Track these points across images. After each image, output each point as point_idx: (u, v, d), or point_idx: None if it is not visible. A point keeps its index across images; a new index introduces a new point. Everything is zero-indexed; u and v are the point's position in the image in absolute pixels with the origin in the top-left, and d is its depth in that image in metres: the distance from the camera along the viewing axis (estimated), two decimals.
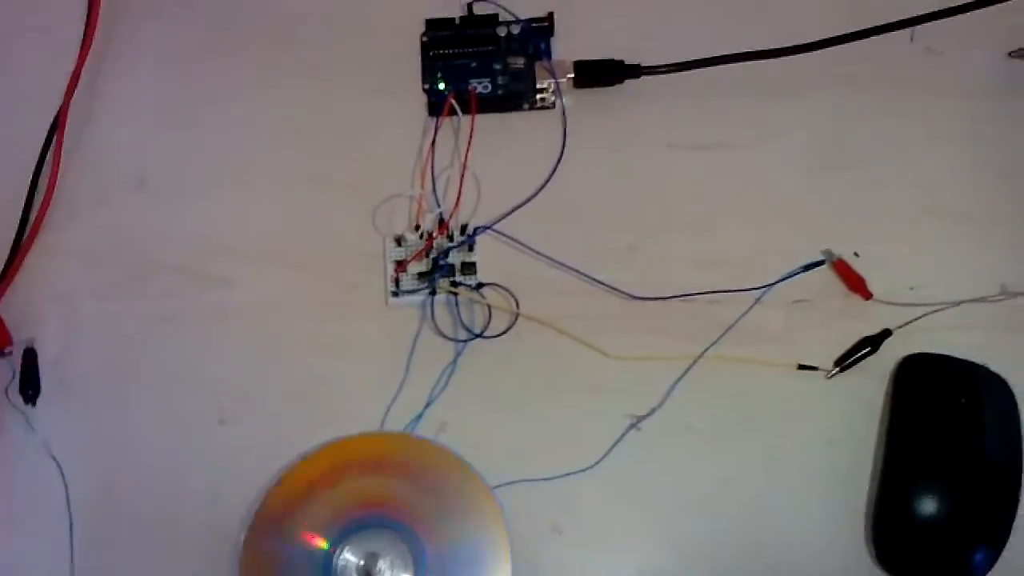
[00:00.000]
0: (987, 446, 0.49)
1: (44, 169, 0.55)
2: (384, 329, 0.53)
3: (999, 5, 0.56)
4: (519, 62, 0.57)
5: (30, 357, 0.53)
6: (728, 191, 0.56)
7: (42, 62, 0.57)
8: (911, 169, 0.56)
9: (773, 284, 0.53)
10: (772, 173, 0.56)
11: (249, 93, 0.57)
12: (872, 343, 0.52)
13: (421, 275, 0.53)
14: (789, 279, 0.53)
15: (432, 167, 0.55)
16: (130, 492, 0.52)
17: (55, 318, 0.54)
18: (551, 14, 0.58)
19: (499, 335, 0.53)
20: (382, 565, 0.48)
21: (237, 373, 0.53)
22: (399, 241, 0.53)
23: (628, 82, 0.57)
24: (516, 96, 0.57)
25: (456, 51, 0.57)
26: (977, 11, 0.56)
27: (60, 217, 0.55)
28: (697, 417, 0.52)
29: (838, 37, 0.56)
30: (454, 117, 0.56)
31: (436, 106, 0.56)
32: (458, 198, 0.54)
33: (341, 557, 0.48)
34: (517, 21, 0.57)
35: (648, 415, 0.52)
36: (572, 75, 0.56)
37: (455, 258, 0.53)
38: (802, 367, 0.52)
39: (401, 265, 0.53)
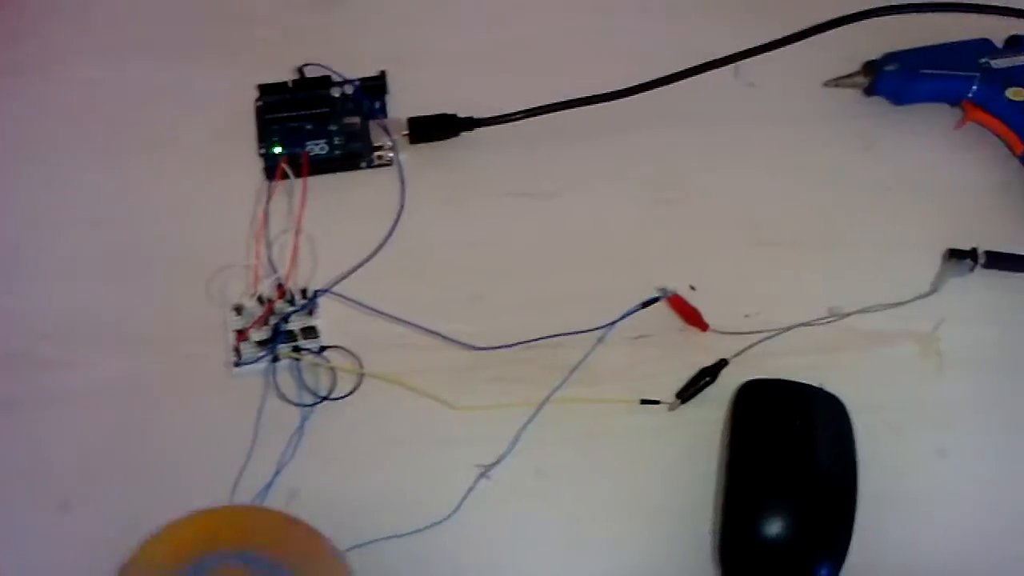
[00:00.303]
0: (822, 464, 0.51)
1: None
2: (229, 400, 0.53)
3: (814, 37, 0.58)
4: (354, 122, 0.58)
5: None
6: (567, 235, 0.57)
7: None
8: (738, 201, 0.58)
9: (613, 323, 0.54)
10: (608, 214, 0.57)
11: (84, 172, 0.57)
12: (710, 373, 0.53)
13: (261, 343, 0.53)
14: (628, 317, 0.55)
15: (267, 232, 0.55)
16: None
17: None
18: (383, 72, 0.59)
19: (345, 396, 0.53)
20: None
21: (79, 457, 0.52)
22: (238, 310, 0.53)
23: (463, 135, 0.58)
24: (353, 155, 0.57)
25: (291, 114, 0.58)
26: (795, 44, 0.58)
27: None
28: (546, 461, 0.53)
29: (663, 78, 0.58)
30: (294, 180, 0.56)
31: (273, 170, 0.56)
32: (292, 261, 0.54)
33: None
34: (349, 81, 0.58)
35: (496, 463, 0.52)
36: (407, 132, 0.57)
37: (297, 323, 0.54)
38: (645, 402, 0.53)
39: (242, 334, 0.53)
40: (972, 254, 0.56)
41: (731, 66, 0.59)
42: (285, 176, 0.56)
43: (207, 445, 0.52)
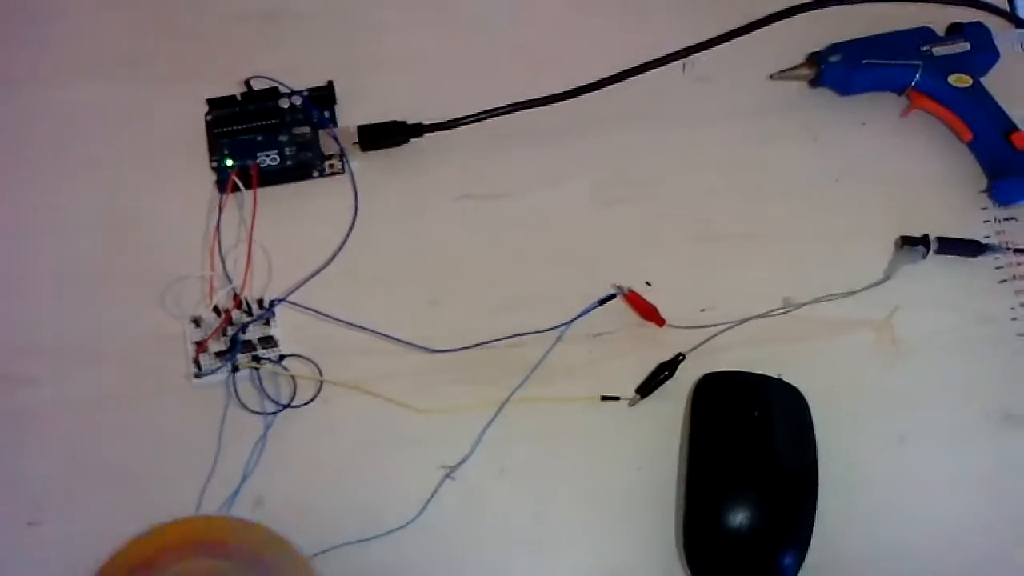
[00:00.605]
0: (782, 454, 0.51)
1: None
2: (191, 411, 0.53)
3: (759, 31, 0.59)
4: (304, 132, 0.58)
5: None
6: (522, 236, 0.57)
7: None
8: (690, 196, 0.58)
9: (571, 322, 0.55)
10: (562, 213, 0.58)
11: (34, 190, 0.57)
12: (668, 367, 0.54)
13: (219, 354, 0.53)
14: (585, 315, 0.55)
15: (219, 244, 0.55)
16: None
17: None
18: (330, 82, 0.59)
19: (306, 404, 0.53)
20: None
21: (45, 472, 0.52)
22: (197, 322, 0.53)
23: (414, 141, 0.58)
24: (305, 165, 0.57)
25: (241, 127, 0.58)
26: (741, 38, 0.59)
27: None
28: (509, 460, 0.53)
29: (611, 77, 0.59)
30: (245, 192, 0.56)
31: (224, 183, 0.56)
32: (247, 272, 0.54)
33: None
34: (297, 92, 0.58)
35: (460, 464, 0.52)
36: (357, 140, 0.57)
37: (255, 332, 0.53)
38: (605, 398, 0.54)
39: (201, 345, 0.53)
40: (924, 240, 0.56)
41: (679, 62, 0.59)
42: (236, 188, 0.56)
43: (172, 457, 0.52)
